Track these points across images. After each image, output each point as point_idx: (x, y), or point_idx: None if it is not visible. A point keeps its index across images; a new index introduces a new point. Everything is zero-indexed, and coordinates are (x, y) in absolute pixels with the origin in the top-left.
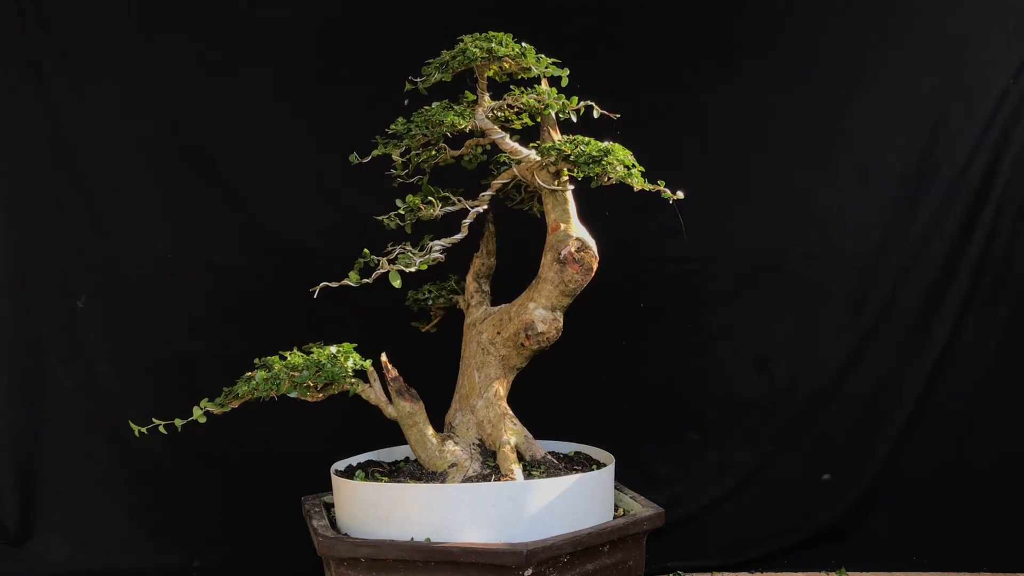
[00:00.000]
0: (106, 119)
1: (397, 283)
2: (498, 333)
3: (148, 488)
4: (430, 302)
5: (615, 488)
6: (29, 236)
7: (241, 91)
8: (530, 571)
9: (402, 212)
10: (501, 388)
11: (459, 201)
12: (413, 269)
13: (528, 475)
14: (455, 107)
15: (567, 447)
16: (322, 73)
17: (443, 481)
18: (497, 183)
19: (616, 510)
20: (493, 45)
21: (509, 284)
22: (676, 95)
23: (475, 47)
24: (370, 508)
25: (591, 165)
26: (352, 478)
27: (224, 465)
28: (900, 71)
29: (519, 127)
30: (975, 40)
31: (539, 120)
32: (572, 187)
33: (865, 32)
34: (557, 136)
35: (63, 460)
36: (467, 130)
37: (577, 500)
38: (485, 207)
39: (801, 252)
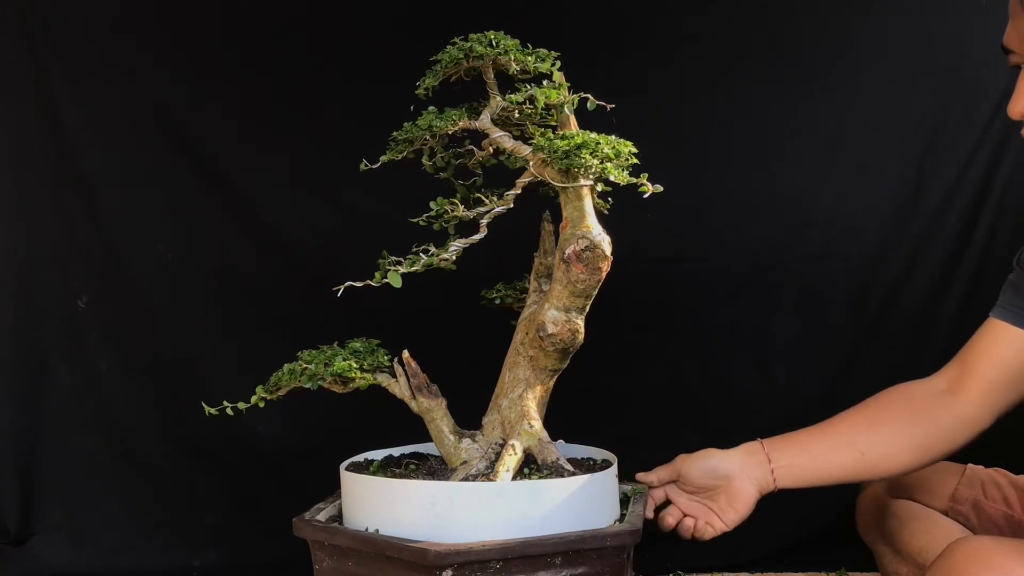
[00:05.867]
0: (106, 119)
1: (397, 283)
2: (526, 334)
3: (148, 488)
4: (497, 301)
5: (634, 498)
6: (29, 236)
7: (242, 91)
8: (449, 572)
9: (435, 214)
10: (529, 389)
11: (491, 202)
12: (415, 269)
13: (527, 478)
14: (447, 111)
15: (601, 454)
16: (323, 73)
17: (447, 478)
18: (522, 182)
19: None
20: (473, 45)
21: None
22: (676, 96)
23: (456, 50)
24: (351, 498)
25: (564, 159)
26: (367, 469)
27: (224, 465)
28: (900, 71)
29: (553, 123)
30: (975, 40)
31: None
32: (586, 183)
33: (865, 32)
34: (562, 132)
35: (63, 460)
36: (450, 132)
37: (565, 503)
38: (510, 207)
39: (801, 252)
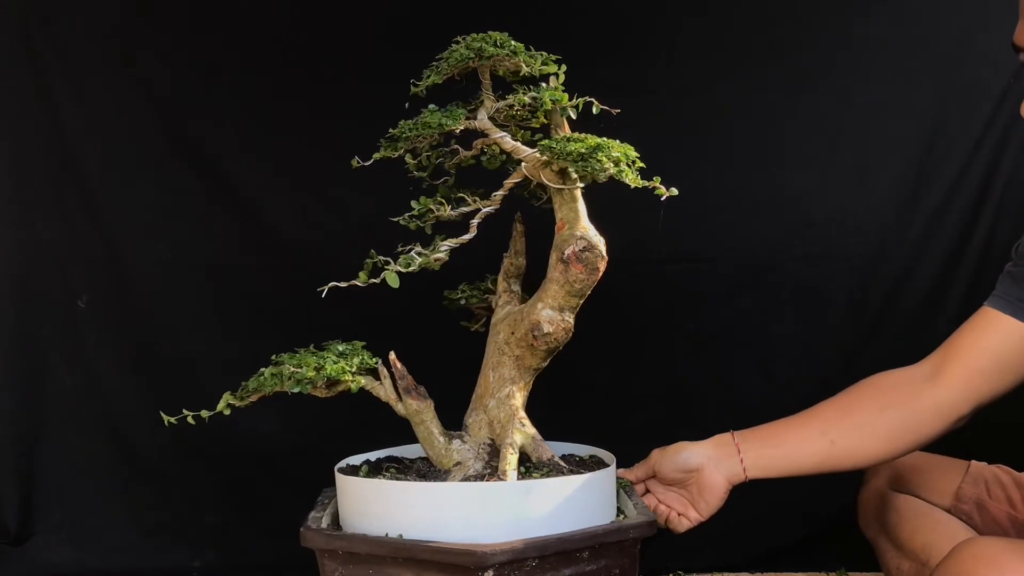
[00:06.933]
0: (106, 119)
1: (395, 283)
2: (512, 333)
3: (148, 488)
4: (463, 301)
5: (623, 492)
6: (29, 236)
7: (242, 91)
8: (491, 572)
9: (416, 213)
10: (515, 389)
11: (474, 202)
12: (412, 269)
13: (527, 476)
14: (451, 110)
15: (585, 450)
16: (323, 73)
17: (445, 479)
18: (510, 183)
19: (619, 515)
20: (482, 45)
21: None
22: (676, 96)
23: (465, 49)
24: (356, 502)
25: (580, 162)
26: (357, 473)
27: (224, 465)
28: (900, 71)
29: (538, 125)
30: (975, 40)
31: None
32: (581, 185)
33: (865, 32)
34: (566, 134)
35: (63, 460)
36: (457, 131)
37: (568, 502)
38: (497, 207)
39: (801, 252)
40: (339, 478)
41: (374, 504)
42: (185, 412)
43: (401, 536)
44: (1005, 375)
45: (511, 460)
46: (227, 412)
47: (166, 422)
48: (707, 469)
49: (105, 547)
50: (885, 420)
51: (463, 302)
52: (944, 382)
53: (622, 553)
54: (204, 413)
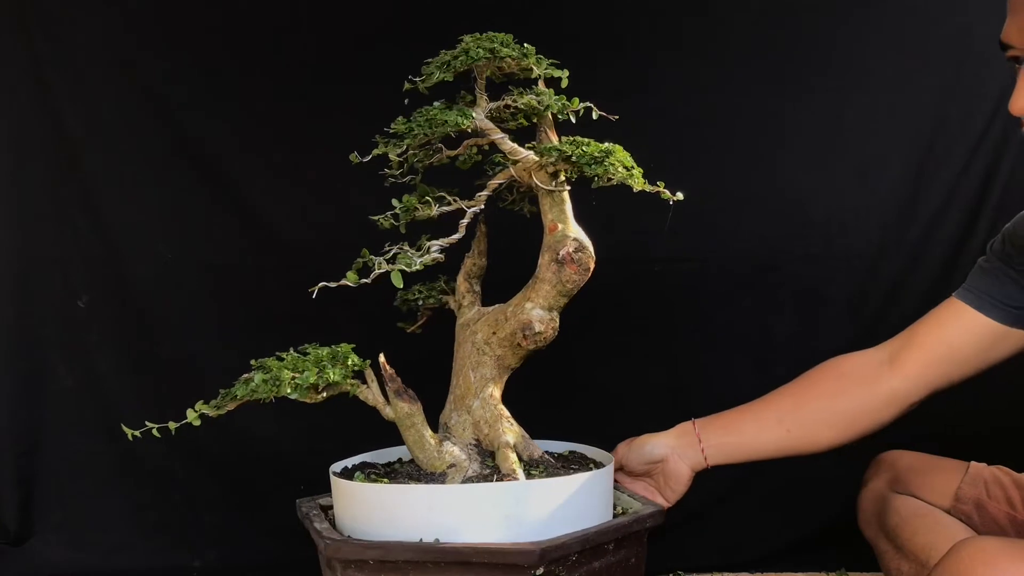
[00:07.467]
0: (106, 119)
1: (399, 283)
2: (493, 333)
3: (148, 488)
4: (419, 302)
5: (614, 487)
6: (29, 236)
7: (242, 91)
8: (541, 570)
9: (398, 212)
10: (496, 388)
11: (455, 201)
12: (414, 269)
13: (528, 475)
14: (457, 107)
15: (561, 446)
16: (324, 73)
17: (442, 482)
18: (493, 183)
19: (615, 509)
20: (496, 46)
21: (497, 284)
22: (676, 96)
23: (478, 47)
24: (373, 510)
25: (592, 166)
26: (350, 480)
27: (224, 465)
28: (900, 71)
29: (514, 127)
30: (975, 40)
31: (535, 121)
32: (569, 187)
33: (864, 32)
34: (554, 137)
35: (63, 460)
36: (468, 130)
37: (580, 499)
38: (481, 207)
39: (801, 252)
40: (351, 486)
41: (397, 510)
42: (148, 424)
43: (438, 540)
44: (962, 366)
45: (514, 459)
46: (197, 423)
47: (129, 436)
48: (671, 459)
49: (105, 547)
50: (839, 408)
51: (420, 303)
52: (900, 369)
53: (638, 542)
54: (172, 425)
